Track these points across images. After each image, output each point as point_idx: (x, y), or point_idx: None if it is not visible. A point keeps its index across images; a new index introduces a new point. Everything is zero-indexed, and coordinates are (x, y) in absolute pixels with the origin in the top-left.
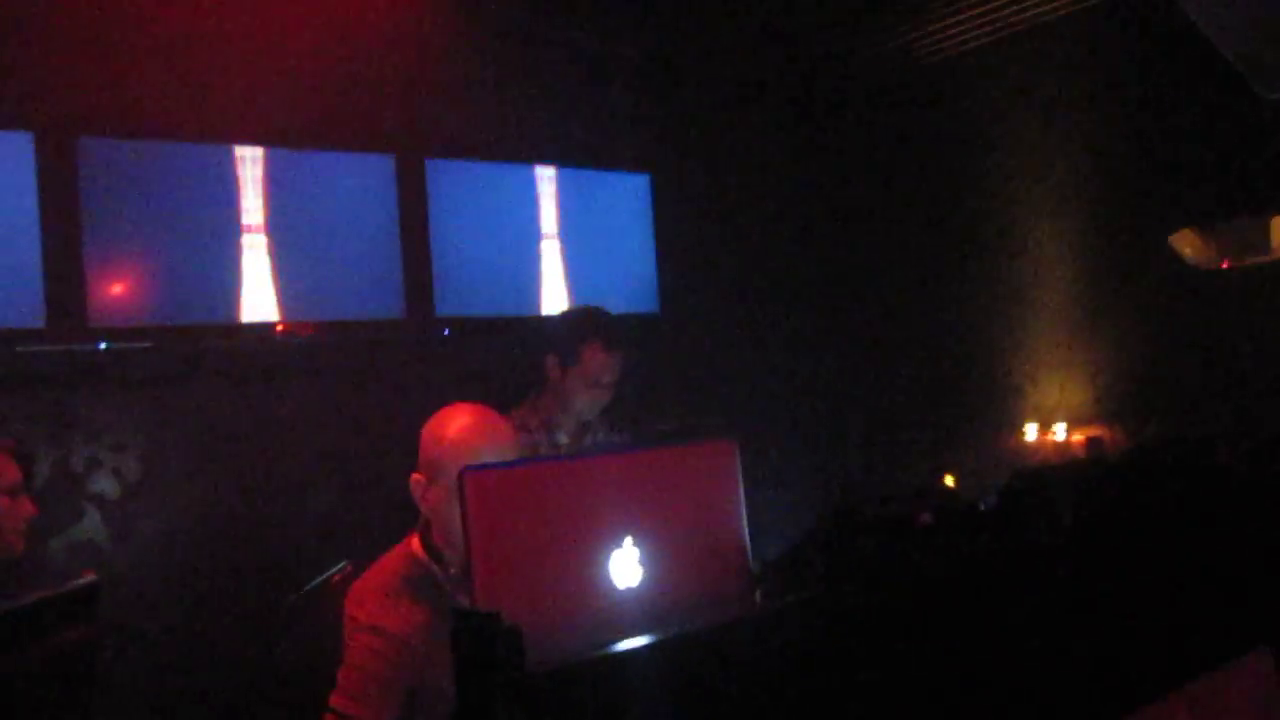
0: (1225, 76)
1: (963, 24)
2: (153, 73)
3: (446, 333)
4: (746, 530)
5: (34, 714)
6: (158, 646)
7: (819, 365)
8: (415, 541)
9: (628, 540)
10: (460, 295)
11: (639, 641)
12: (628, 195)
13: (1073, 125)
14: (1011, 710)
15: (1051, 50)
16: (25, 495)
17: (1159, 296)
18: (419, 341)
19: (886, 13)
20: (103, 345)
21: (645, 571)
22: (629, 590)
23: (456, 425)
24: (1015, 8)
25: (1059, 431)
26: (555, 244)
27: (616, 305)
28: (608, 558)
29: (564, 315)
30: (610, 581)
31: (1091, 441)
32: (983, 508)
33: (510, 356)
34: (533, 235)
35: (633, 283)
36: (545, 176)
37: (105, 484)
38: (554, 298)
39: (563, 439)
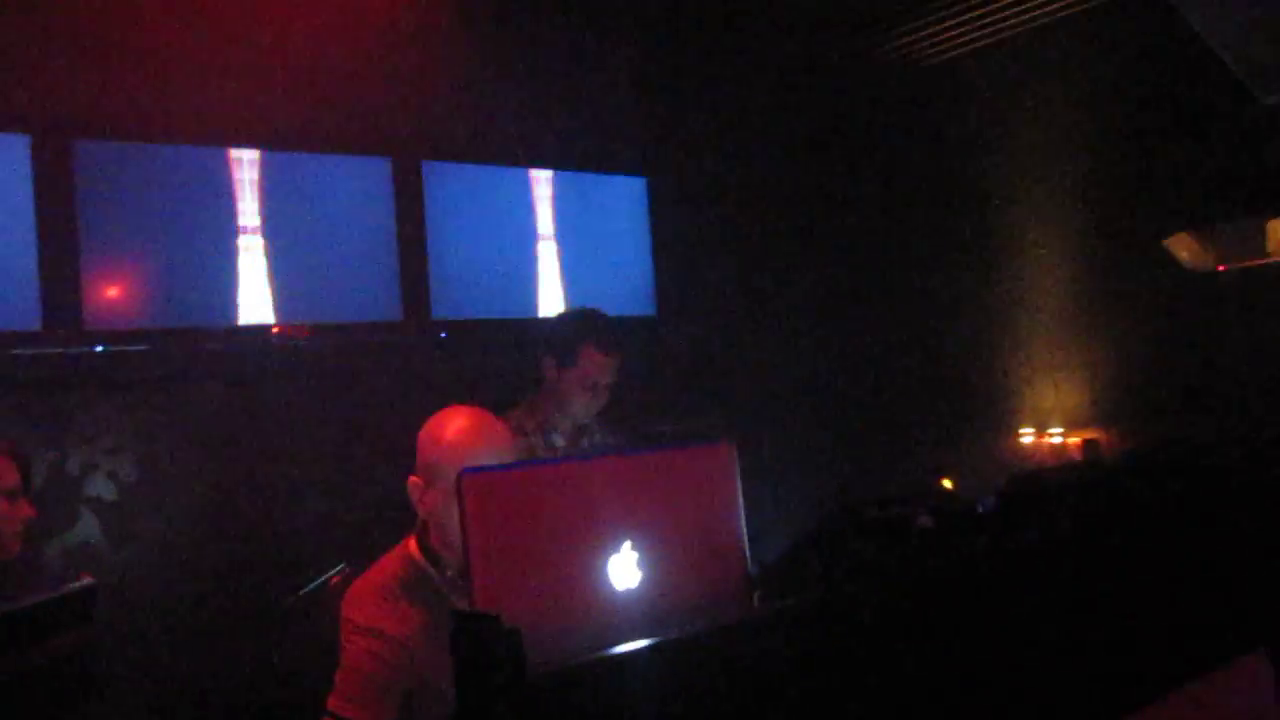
0: (1222, 80)
1: (961, 27)
2: (149, 76)
3: (443, 335)
4: (745, 533)
5: (32, 716)
6: (155, 649)
7: (815, 368)
8: (412, 544)
9: (626, 543)
10: (457, 298)
11: (638, 644)
12: (624, 198)
13: (1071, 128)
14: (1010, 711)
15: (1050, 53)
16: (23, 498)
17: (1155, 300)
18: (415, 344)
19: (885, 15)
20: (99, 348)
21: (644, 574)
22: (628, 592)
23: (454, 427)
24: (1014, 11)
25: (1055, 434)
26: (552, 247)
27: (613, 308)
28: (606, 560)
29: (561, 317)
30: (609, 584)
31: (1088, 444)
32: (981, 510)
33: (507, 358)
34: (529, 238)
35: (629, 286)
36: (542, 179)
37: (101, 487)
38: (550, 301)
39: (559, 441)
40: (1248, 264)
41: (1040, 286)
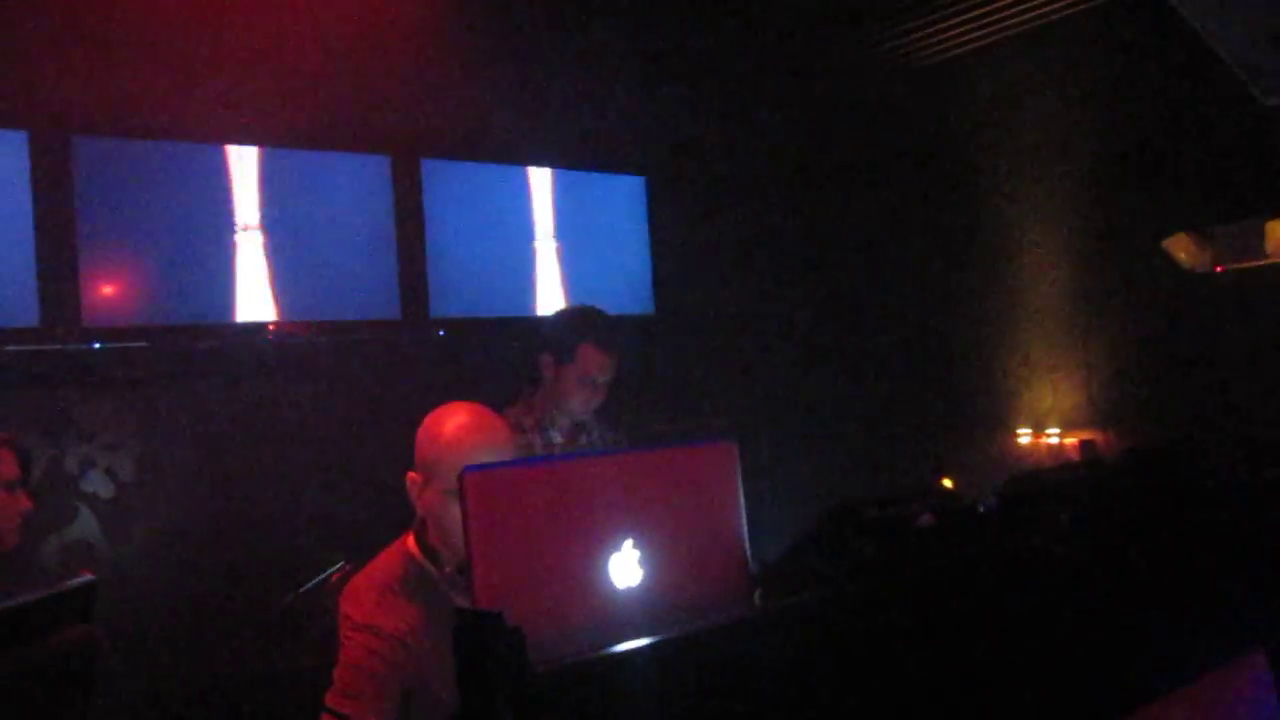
0: (1222, 80)
1: (961, 26)
2: (147, 72)
3: (442, 334)
4: (746, 532)
5: (31, 714)
6: (153, 646)
7: (814, 367)
8: (411, 541)
9: (628, 541)
10: (455, 296)
11: (639, 642)
12: (623, 197)
13: (1070, 128)
14: (1010, 711)
15: (1050, 53)
16: (22, 490)
17: (1154, 300)
18: (414, 342)
19: (885, 14)
20: (97, 345)
21: (645, 572)
22: (629, 591)
23: (452, 424)
24: (1014, 11)
25: (1052, 435)
26: (551, 245)
27: (612, 306)
28: (608, 558)
29: (560, 314)
30: (610, 582)
31: (1085, 445)
32: (982, 509)
33: (505, 357)
34: (528, 236)
35: (628, 284)
36: (541, 178)
37: (99, 484)
38: (549, 299)
39: (557, 438)
40: (1246, 265)
41: (1038, 287)
